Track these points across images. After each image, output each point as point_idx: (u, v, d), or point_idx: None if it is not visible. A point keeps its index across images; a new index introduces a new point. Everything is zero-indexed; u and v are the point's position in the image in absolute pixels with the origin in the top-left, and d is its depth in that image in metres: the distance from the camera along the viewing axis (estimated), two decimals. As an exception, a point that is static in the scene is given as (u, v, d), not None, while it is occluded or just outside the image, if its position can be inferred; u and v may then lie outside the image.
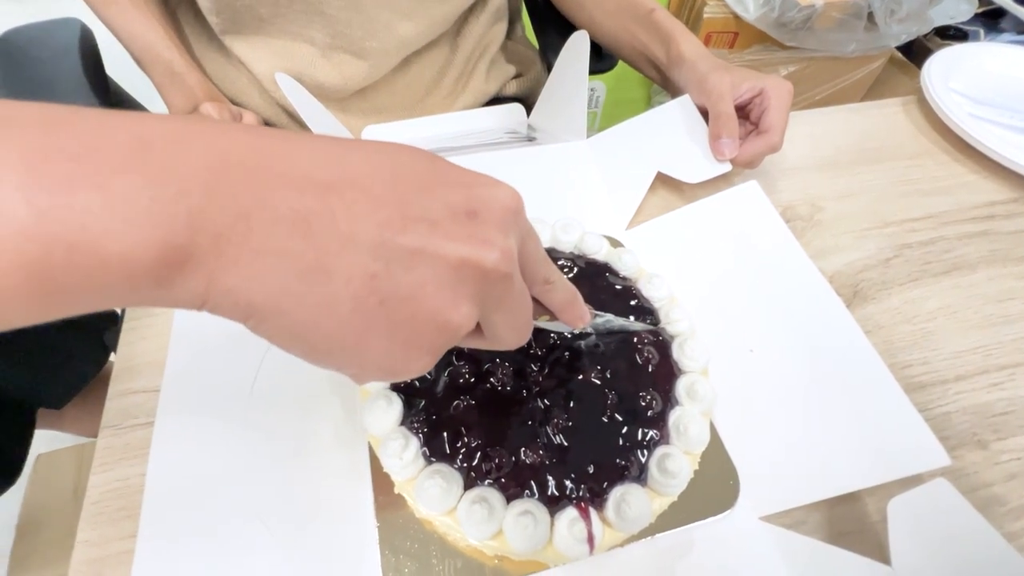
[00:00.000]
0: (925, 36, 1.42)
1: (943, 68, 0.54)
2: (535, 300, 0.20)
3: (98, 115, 0.12)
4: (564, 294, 0.21)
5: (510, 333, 0.18)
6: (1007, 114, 0.50)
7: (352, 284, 0.14)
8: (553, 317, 0.21)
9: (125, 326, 0.33)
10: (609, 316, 0.27)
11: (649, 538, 0.27)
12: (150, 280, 0.12)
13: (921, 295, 0.38)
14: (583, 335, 0.27)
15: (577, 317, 0.22)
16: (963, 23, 1.38)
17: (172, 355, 0.30)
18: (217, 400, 0.29)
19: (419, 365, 0.16)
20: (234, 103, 0.51)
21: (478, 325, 0.17)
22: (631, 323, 0.28)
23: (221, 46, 0.51)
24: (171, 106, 0.47)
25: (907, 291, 0.38)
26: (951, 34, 1.50)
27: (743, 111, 0.42)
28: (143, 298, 0.13)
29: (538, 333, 0.24)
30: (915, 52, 1.51)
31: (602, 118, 1.55)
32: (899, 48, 1.35)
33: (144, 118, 0.13)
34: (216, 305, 0.14)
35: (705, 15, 1.19)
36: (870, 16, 1.13)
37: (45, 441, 0.69)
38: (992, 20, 1.46)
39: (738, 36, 1.22)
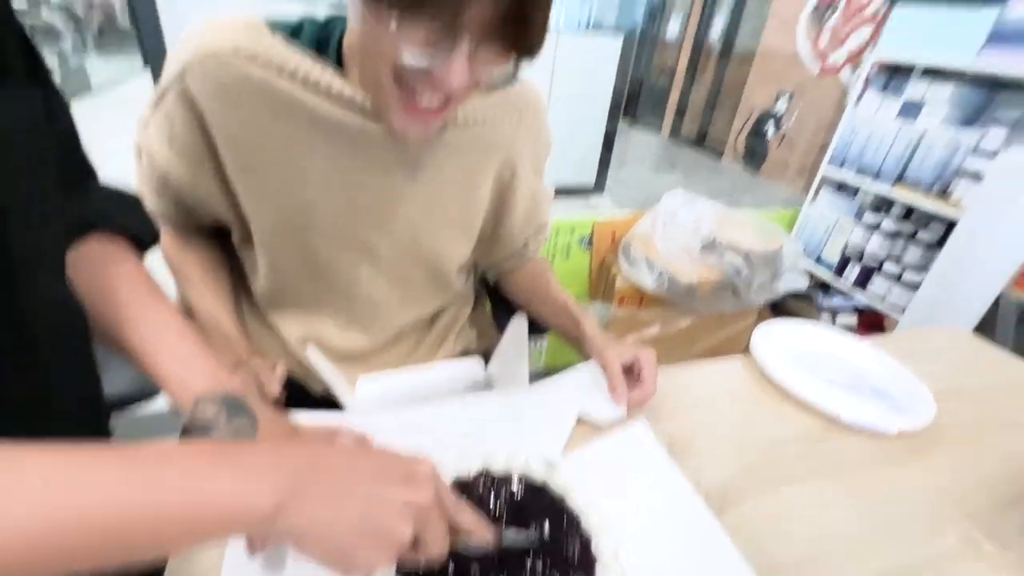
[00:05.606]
0: (781, 298, 1.89)
1: (766, 336, 0.80)
2: (455, 528, 0.33)
3: (252, 448, 0.29)
4: (471, 520, 0.33)
5: (435, 545, 0.31)
6: (812, 370, 0.74)
7: (353, 518, 0.28)
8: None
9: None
10: (511, 532, 0.38)
11: None
12: (263, 522, 0.26)
13: (769, 500, 0.53)
14: (495, 549, 0.37)
15: (483, 538, 0.34)
16: (804, 290, 1.86)
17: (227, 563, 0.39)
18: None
19: (383, 562, 0.29)
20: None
21: (415, 544, 0.30)
22: (531, 534, 0.39)
23: (259, 314, 0.70)
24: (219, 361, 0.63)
25: (759, 498, 0.53)
26: (799, 296, 2.00)
27: (629, 369, 0.63)
28: (253, 530, 0.27)
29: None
30: (778, 308, 1.96)
31: (547, 354, 1.82)
32: (766, 305, 1.77)
33: (269, 451, 0.29)
34: (285, 535, 0.28)
35: (616, 285, 1.56)
36: (735, 288, 1.54)
37: None
38: (824, 287, 1.98)
39: (643, 299, 1.59)
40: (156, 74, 2.59)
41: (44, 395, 0.37)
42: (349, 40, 0.51)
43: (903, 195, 1.63)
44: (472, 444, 0.55)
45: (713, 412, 0.65)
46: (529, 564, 0.38)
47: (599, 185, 3.61)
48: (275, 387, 0.57)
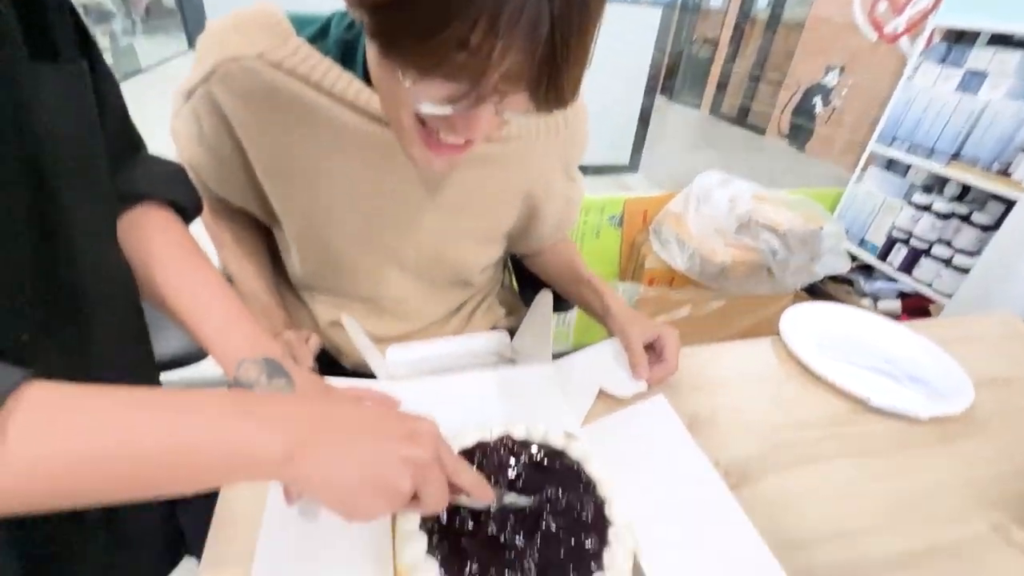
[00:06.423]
0: (820, 280, 1.82)
1: (797, 318, 0.78)
2: (457, 487, 0.35)
3: (272, 402, 0.32)
4: (471, 480, 0.35)
5: (433, 500, 0.33)
6: (844, 354, 0.73)
7: (356, 468, 0.30)
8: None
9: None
10: (513, 495, 0.40)
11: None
12: (274, 467, 0.29)
13: (790, 478, 0.53)
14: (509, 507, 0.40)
15: (483, 496, 0.36)
16: (846, 274, 1.78)
17: (266, 519, 0.43)
18: (296, 549, 0.41)
19: (383, 512, 0.31)
20: None
21: (416, 498, 0.32)
22: (532, 499, 0.41)
23: (293, 289, 0.73)
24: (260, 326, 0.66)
25: (780, 476, 0.54)
26: (840, 279, 1.92)
27: (652, 347, 0.63)
28: (266, 475, 0.30)
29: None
30: (816, 291, 1.90)
31: (575, 332, 1.83)
32: (803, 288, 1.72)
33: (286, 406, 0.32)
34: (295, 480, 0.30)
35: (646, 265, 1.55)
36: (769, 270, 1.50)
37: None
38: (867, 270, 1.89)
39: (674, 279, 1.56)
40: (200, 53, 2.66)
41: (92, 353, 0.40)
42: (371, 60, 0.46)
43: (959, 174, 1.53)
44: (494, 413, 0.57)
45: (737, 391, 0.65)
46: (544, 524, 0.40)
47: (633, 164, 3.53)
48: (309, 361, 0.60)
